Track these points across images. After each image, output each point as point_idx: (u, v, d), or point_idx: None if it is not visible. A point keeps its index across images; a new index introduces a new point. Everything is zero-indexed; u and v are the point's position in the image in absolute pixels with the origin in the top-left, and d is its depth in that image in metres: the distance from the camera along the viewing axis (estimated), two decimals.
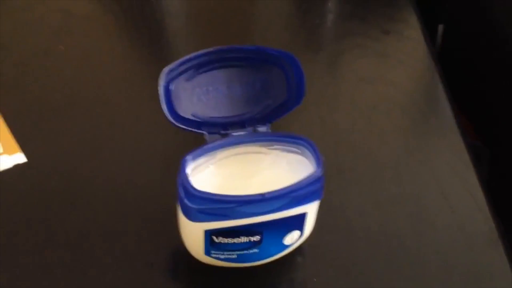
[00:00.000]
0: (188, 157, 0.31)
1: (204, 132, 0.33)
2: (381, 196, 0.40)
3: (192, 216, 0.30)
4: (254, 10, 0.59)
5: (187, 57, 0.32)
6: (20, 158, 0.41)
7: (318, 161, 0.31)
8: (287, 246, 0.33)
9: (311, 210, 0.32)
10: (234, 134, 0.33)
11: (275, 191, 0.29)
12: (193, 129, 0.33)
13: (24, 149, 0.42)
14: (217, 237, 0.31)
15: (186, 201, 0.29)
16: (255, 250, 0.32)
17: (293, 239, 0.33)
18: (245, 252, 0.32)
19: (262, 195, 0.29)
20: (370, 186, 0.40)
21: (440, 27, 0.80)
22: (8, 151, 0.41)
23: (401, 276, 0.35)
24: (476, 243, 0.37)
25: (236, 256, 0.32)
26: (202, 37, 0.55)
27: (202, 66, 0.33)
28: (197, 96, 0.33)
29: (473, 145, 0.62)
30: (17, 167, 0.40)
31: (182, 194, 0.30)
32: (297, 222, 0.32)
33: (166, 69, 0.32)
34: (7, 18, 0.55)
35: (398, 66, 0.52)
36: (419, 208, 0.39)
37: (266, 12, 0.58)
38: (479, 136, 0.63)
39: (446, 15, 0.74)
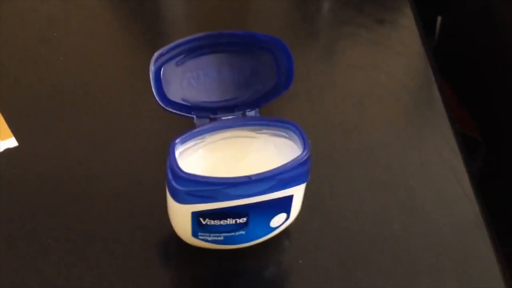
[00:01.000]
0: (177, 141, 0.32)
1: (193, 116, 0.34)
2: (370, 181, 0.41)
3: (180, 198, 0.31)
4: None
5: (178, 42, 0.33)
6: (11, 142, 0.42)
7: (305, 145, 0.31)
8: (273, 229, 0.34)
9: (297, 192, 0.33)
10: (223, 118, 0.34)
11: (262, 173, 0.30)
12: (183, 113, 0.34)
13: (16, 133, 0.43)
14: (204, 219, 0.32)
15: (173, 183, 0.30)
16: (242, 232, 0.33)
17: (279, 221, 0.34)
18: (232, 234, 0.33)
19: (248, 177, 0.30)
20: (360, 171, 0.41)
21: (439, 19, 0.81)
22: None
23: (388, 259, 0.36)
24: (462, 227, 0.38)
25: (223, 238, 0.33)
26: (197, 22, 0.56)
27: (192, 51, 0.34)
28: (187, 81, 0.34)
29: (470, 137, 0.63)
30: (8, 151, 0.41)
31: (170, 176, 0.31)
32: (284, 204, 0.33)
33: (156, 54, 0.32)
34: (1, 8, 0.55)
35: (391, 54, 0.53)
36: (407, 193, 0.40)
37: (260, 4, 0.59)
38: (479, 130, 0.64)
39: (444, 7, 0.75)
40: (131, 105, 0.46)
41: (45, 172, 0.40)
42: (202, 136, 0.33)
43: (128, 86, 0.47)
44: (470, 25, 0.66)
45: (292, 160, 0.31)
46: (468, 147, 0.45)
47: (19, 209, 0.38)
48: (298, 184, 0.32)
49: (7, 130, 0.43)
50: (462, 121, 0.55)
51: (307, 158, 0.31)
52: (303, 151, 0.31)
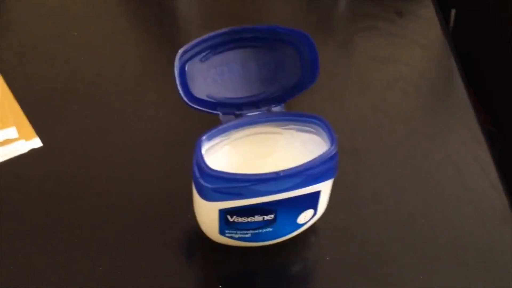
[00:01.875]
0: (203, 138, 0.31)
1: (218, 112, 0.34)
2: (395, 175, 0.40)
3: (207, 195, 0.31)
4: None
5: (202, 38, 0.33)
6: (36, 143, 0.42)
7: (332, 140, 0.31)
8: (301, 225, 0.34)
9: (325, 188, 0.33)
10: (249, 114, 0.34)
11: (289, 169, 0.30)
12: (208, 110, 0.33)
13: (39, 133, 0.43)
14: (231, 216, 0.31)
15: (200, 180, 0.30)
16: (269, 229, 0.33)
17: (306, 217, 0.34)
18: (259, 231, 0.33)
19: (276, 173, 0.29)
20: (384, 165, 0.41)
21: (453, 12, 0.80)
22: (24, 136, 0.42)
23: (414, 253, 0.36)
24: (489, 220, 0.37)
25: (250, 235, 0.33)
26: (216, 19, 0.55)
27: (216, 47, 0.33)
28: (211, 77, 0.34)
29: (488, 130, 0.62)
30: (33, 151, 0.41)
31: (197, 173, 0.30)
32: (311, 200, 0.33)
33: (181, 51, 0.32)
34: (19, 5, 0.55)
35: (412, 46, 0.52)
36: (433, 186, 0.39)
37: None
38: (494, 125, 0.63)
39: (458, 0, 0.74)
40: (155, 103, 0.45)
41: (70, 172, 0.40)
42: (228, 132, 0.33)
43: (151, 84, 0.47)
44: (470, 25, 0.65)
45: (320, 156, 0.30)
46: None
47: (45, 209, 0.38)
48: (326, 179, 0.32)
49: (32, 131, 0.43)
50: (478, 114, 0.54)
51: (335, 153, 0.31)
52: (331, 146, 0.31)
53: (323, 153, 0.30)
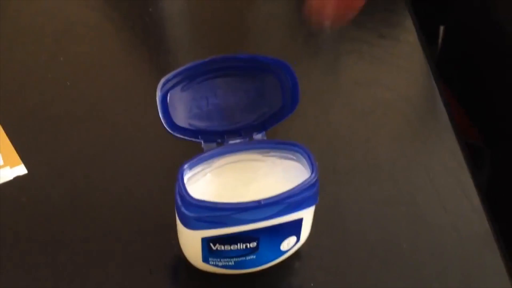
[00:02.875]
0: (185, 166, 0.31)
1: (201, 140, 0.34)
2: (377, 198, 0.40)
3: (190, 224, 0.30)
4: (251, 15, 0.60)
5: (183, 67, 0.33)
6: (21, 169, 0.42)
7: (312, 167, 0.31)
8: (284, 252, 0.34)
9: (307, 215, 0.33)
10: (231, 142, 0.34)
11: (271, 197, 0.30)
12: (190, 138, 0.33)
13: (25, 160, 0.42)
14: (214, 244, 0.31)
15: (183, 209, 0.30)
16: (253, 257, 0.33)
17: (289, 244, 0.34)
18: (243, 258, 0.33)
19: (258, 202, 0.29)
20: (366, 187, 0.41)
21: (441, 29, 0.81)
22: (9, 163, 0.42)
23: (397, 278, 0.35)
24: (471, 245, 0.37)
25: (233, 263, 0.33)
26: (200, 43, 0.55)
27: (197, 76, 0.33)
28: (193, 106, 0.34)
29: (474, 145, 0.62)
30: (17, 179, 0.41)
31: (179, 202, 0.30)
32: (294, 227, 0.33)
33: (162, 80, 0.32)
34: (7, 27, 0.55)
35: (395, 70, 0.53)
36: (414, 210, 0.39)
37: (263, 17, 0.59)
38: (482, 137, 0.64)
39: (446, 17, 0.75)
40: (139, 128, 0.45)
41: (55, 198, 0.40)
42: (210, 160, 0.33)
43: (137, 109, 0.47)
44: (473, 33, 0.65)
45: (301, 184, 0.30)
46: (473, 155, 0.44)
47: (31, 237, 0.37)
48: (308, 206, 0.32)
49: (16, 157, 0.43)
50: (464, 128, 0.54)
51: (316, 180, 0.31)
52: (311, 173, 0.31)
53: (304, 181, 0.31)
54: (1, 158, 0.42)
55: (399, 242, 0.37)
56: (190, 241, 0.32)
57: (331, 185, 0.40)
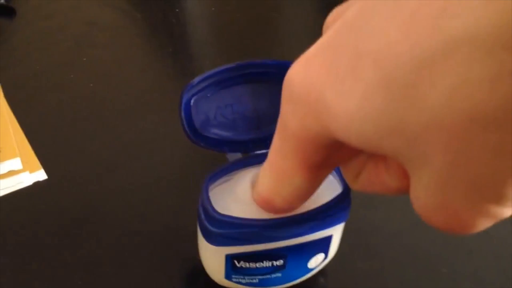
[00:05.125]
0: (209, 179, 0.28)
1: (225, 150, 0.30)
2: (411, 218, 0.36)
3: (213, 239, 0.27)
4: (279, 20, 0.57)
5: (207, 73, 0.30)
6: (41, 175, 0.39)
7: (344, 180, 0.28)
8: (311, 269, 0.31)
9: (336, 232, 0.29)
10: (257, 152, 0.31)
11: (301, 213, 0.26)
12: (214, 148, 0.30)
13: (45, 165, 0.40)
14: (238, 261, 0.28)
15: (207, 224, 0.27)
16: (278, 274, 0.29)
17: (317, 262, 0.30)
18: (268, 276, 0.29)
19: (287, 218, 0.26)
20: (399, 207, 0.37)
21: None
22: (29, 168, 0.40)
23: None
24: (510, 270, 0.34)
25: (258, 281, 0.30)
26: (227, 48, 0.53)
27: (222, 81, 0.30)
28: (218, 113, 0.31)
29: None
30: (37, 184, 0.38)
31: (202, 216, 0.27)
32: (323, 245, 0.29)
33: (185, 86, 0.29)
34: (27, 29, 0.53)
35: None
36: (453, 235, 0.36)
37: (291, 22, 0.56)
38: None
39: None
40: (163, 135, 0.42)
41: (74, 204, 0.37)
42: (235, 172, 0.30)
43: (161, 116, 0.44)
44: None
45: (333, 199, 0.27)
46: None
47: (49, 244, 0.35)
48: (339, 223, 0.28)
49: (37, 162, 0.40)
50: None
51: (348, 195, 0.28)
52: (344, 187, 0.28)
53: (336, 195, 0.27)
54: (20, 163, 0.40)
55: (435, 264, 0.34)
56: (213, 257, 0.29)
57: (359, 201, 0.36)
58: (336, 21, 0.18)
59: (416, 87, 0.14)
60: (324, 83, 0.17)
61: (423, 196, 0.17)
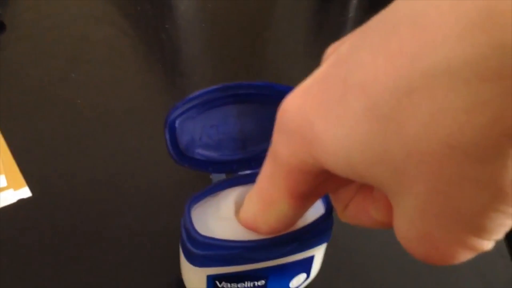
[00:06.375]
0: (192, 199, 0.28)
1: (210, 171, 0.30)
2: (394, 238, 0.36)
3: (195, 261, 0.27)
4: (270, 38, 0.57)
5: (193, 94, 0.30)
6: (25, 192, 0.39)
7: (327, 202, 0.28)
8: None
9: (318, 252, 0.29)
10: (240, 173, 0.31)
11: (282, 235, 0.26)
12: (199, 168, 0.30)
13: (29, 182, 0.39)
14: (220, 282, 0.28)
15: (189, 245, 0.27)
16: None
17: (299, 281, 0.30)
18: None
19: (268, 240, 0.26)
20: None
21: None
22: (12, 185, 0.39)
23: None
24: None
25: None
26: (217, 64, 0.53)
27: (208, 102, 0.30)
28: (204, 134, 0.30)
29: None
30: (21, 201, 0.38)
31: (184, 237, 0.27)
32: (304, 265, 0.29)
33: (171, 108, 0.29)
34: (16, 44, 0.53)
35: None
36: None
37: (282, 41, 0.56)
38: None
39: None
40: (150, 153, 0.42)
41: (59, 223, 0.36)
42: (219, 192, 0.30)
43: (147, 133, 0.44)
44: None
45: (315, 220, 0.27)
46: None
47: (33, 263, 0.34)
48: (321, 244, 0.28)
49: (21, 179, 0.40)
50: None
51: (331, 216, 0.27)
52: (326, 208, 0.28)
53: (319, 216, 0.27)
54: (5, 180, 0.39)
55: (420, 284, 0.33)
56: (194, 277, 0.29)
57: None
58: (332, 55, 0.19)
59: (398, 116, 0.15)
60: (315, 114, 0.18)
61: (405, 226, 0.17)
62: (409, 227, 0.17)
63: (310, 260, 0.29)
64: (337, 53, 0.18)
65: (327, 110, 0.17)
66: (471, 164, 0.14)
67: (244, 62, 0.53)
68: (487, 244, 0.16)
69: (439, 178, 0.15)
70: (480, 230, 0.15)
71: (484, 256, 0.35)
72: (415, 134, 0.14)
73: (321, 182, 0.21)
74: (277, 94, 0.31)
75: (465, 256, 0.16)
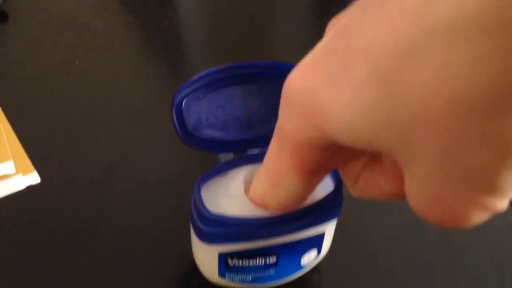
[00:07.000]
0: (201, 179, 0.28)
1: (217, 151, 0.30)
2: (404, 215, 0.36)
3: (206, 238, 0.27)
4: (272, 24, 0.57)
5: (198, 75, 0.29)
6: (34, 178, 0.39)
7: (337, 177, 0.28)
8: (304, 266, 0.30)
9: (329, 228, 0.29)
10: (249, 152, 0.30)
11: (293, 211, 0.26)
12: (206, 149, 0.30)
13: (37, 168, 0.39)
14: (232, 259, 0.28)
15: (199, 223, 0.27)
16: (271, 272, 0.29)
17: (310, 259, 0.30)
18: (261, 273, 0.29)
19: (279, 216, 0.26)
20: (393, 204, 0.37)
21: None
22: (22, 171, 0.39)
23: None
24: (505, 264, 0.33)
25: (251, 278, 0.29)
26: (220, 50, 0.52)
27: (214, 83, 0.30)
28: (210, 114, 0.30)
29: None
30: (30, 188, 0.38)
31: (195, 216, 0.27)
32: (315, 241, 0.29)
33: (177, 89, 0.29)
34: (20, 32, 0.53)
35: None
36: (448, 230, 0.36)
37: (284, 26, 0.56)
38: None
39: None
40: (156, 137, 0.42)
41: (68, 208, 0.37)
42: (227, 172, 0.30)
43: (152, 118, 0.44)
44: None
45: (325, 196, 0.27)
46: None
47: (42, 249, 0.34)
48: (331, 219, 0.28)
49: (30, 165, 0.40)
50: None
51: (340, 192, 0.27)
52: (336, 184, 0.28)
53: (329, 192, 0.27)
54: (13, 166, 0.39)
55: (429, 263, 0.33)
56: (206, 255, 0.29)
57: (354, 198, 0.36)
58: (333, 27, 0.18)
59: (402, 76, 0.15)
60: (319, 84, 0.18)
61: (416, 190, 0.17)
62: (420, 191, 0.16)
63: (321, 237, 0.29)
64: (338, 24, 0.18)
65: (330, 79, 0.17)
66: (477, 120, 0.14)
67: (248, 47, 0.52)
68: (501, 204, 0.16)
69: (446, 137, 0.14)
70: (491, 189, 0.15)
71: (494, 231, 0.35)
72: (419, 93, 0.14)
73: (329, 156, 0.21)
74: (283, 73, 0.30)
75: (479, 217, 0.16)
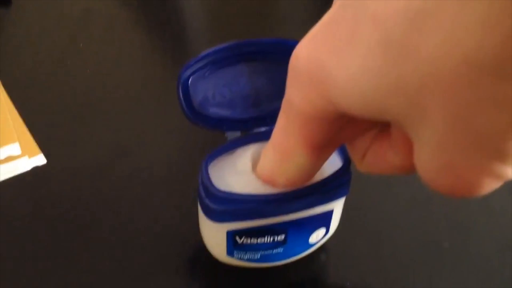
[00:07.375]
0: (209, 157, 0.28)
1: (224, 129, 0.30)
2: (412, 194, 0.36)
3: (214, 216, 0.27)
4: (279, 5, 0.56)
5: (204, 53, 0.29)
6: (40, 159, 0.38)
7: (345, 155, 0.27)
8: (312, 245, 0.30)
9: (337, 206, 0.29)
10: (256, 130, 0.30)
11: (301, 188, 0.26)
12: (213, 127, 0.30)
13: (43, 149, 0.39)
14: (240, 237, 0.28)
15: (207, 201, 0.26)
16: (279, 250, 0.29)
17: (318, 237, 0.30)
18: (269, 252, 0.29)
19: (287, 193, 0.26)
20: (400, 183, 0.37)
21: None
22: (28, 153, 0.39)
23: (437, 279, 0.31)
24: None
25: (259, 257, 0.29)
26: (225, 32, 0.52)
27: (220, 61, 0.30)
28: (216, 92, 0.30)
29: None
30: (36, 169, 0.38)
31: (203, 194, 0.27)
32: (323, 219, 0.29)
33: (183, 66, 0.29)
34: (24, 17, 0.52)
35: None
36: (454, 207, 0.35)
37: (291, 8, 0.55)
38: None
39: None
40: (162, 118, 0.42)
41: (74, 190, 0.36)
42: (235, 150, 0.29)
43: (156, 98, 0.44)
44: None
45: (333, 173, 0.27)
46: None
47: (49, 230, 0.34)
48: (339, 197, 0.28)
49: (35, 147, 0.39)
50: None
51: (349, 169, 0.27)
52: (344, 161, 0.27)
53: (337, 170, 0.27)
54: (19, 148, 0.39)
55: (438, 242, 0.33)
56: (214, 234, 0.29)
57: (362, 177, 0.36)
58: None
59: (411, 40, 0.14)
60: (326, 54, 0.17)
61: (426, 159, 0.16)
62: (430, 159, 0.16)
63: (329, 214, 0.29)
64: None
65: (338, 47, 0.17)
66: (489, 82, 0.13)
67: (254, 29, 0.52)
68: None
69: (457, 101, 0.14)
70: (503, 156, 0.15)
71: (502, 212, 0.34)
72: (429, 56, 0.14)
73: (337, 130, 0.20)
74: (289, 49, 0.30)
75: (490, 185, 0.16)
